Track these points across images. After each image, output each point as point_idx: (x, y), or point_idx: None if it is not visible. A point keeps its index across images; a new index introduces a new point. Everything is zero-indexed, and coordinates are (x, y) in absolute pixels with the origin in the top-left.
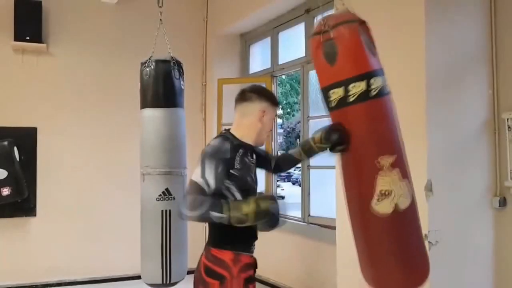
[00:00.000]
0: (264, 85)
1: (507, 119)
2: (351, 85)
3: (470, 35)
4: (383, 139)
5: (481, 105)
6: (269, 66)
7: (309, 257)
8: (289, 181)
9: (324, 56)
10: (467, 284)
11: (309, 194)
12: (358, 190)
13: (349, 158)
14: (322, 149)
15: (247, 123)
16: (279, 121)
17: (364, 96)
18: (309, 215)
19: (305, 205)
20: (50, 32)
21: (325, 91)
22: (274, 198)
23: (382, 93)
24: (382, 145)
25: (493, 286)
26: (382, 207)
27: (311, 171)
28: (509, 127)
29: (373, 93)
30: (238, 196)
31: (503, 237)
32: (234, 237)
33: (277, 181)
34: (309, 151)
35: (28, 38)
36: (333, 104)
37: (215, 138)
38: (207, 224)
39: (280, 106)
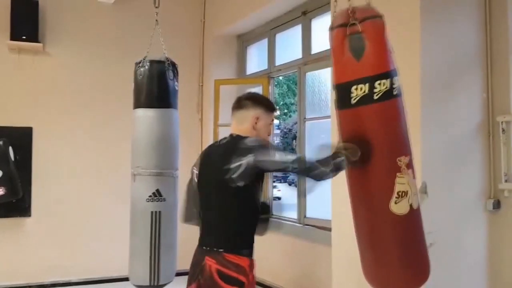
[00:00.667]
0: (261, 86)
1: (502, 122)
2: (377, 82)
3: (466, 38)
4: (401, 139)
5: (475, 108)
6: (266, 67)
7: (305, 258)
8: (285, 182)
9: (350, 50)
10: (461, 285)
11: (305, 195)
12: (375, 191)
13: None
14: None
15: (243, 130)
16: (276, 122)
17: (388, 94)
18: (305, 216)
19: (301, 206)
20: (47, 32)
21: (346, 86)
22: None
23: (400, 92)
24: (401, 145)
25: (487, 287)
26: (400, 208)
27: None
28: (503, 130)
29: (395, 92)
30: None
31: (497, 239)
32: (248, 243)
33: (273, 181)
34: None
35: (24, 37)
36: (353, 101)
37: (238, 138)
38: (198, 228)
39: (277, 112)
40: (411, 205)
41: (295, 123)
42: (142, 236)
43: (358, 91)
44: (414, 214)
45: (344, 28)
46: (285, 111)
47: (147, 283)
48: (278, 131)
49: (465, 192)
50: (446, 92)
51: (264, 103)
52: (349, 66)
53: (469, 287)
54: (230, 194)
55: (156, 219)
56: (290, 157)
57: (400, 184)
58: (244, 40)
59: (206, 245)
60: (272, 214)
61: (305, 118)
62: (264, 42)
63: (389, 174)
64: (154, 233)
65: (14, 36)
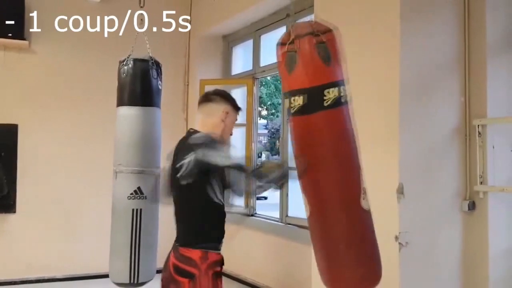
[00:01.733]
0: (245, 87)
1: (478, 125)
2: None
3: (444, 44)
4: (354, 140)
5: (453, 112)
6: (251, 68)
7: (287, 257)
8: None
9: (320, 57)
10: (435, 285)
11: (287, 195)
12: (346, 188)
13: (328, 160)
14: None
15: (211, 123)
16: (264, 121)
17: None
18: (287, 215)
19: (283, 205)
20: (33, 30)
21: (320, 89)
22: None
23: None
24: (356, 146)
25: (462, 286)
26: (366, 204)
27: (290, 172)
28: (479, 133)
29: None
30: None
31: (471, 239)
32: (203, 237)
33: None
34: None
35: (10, 35)
36: (325, 103)
37: (194, 133)
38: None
39: (241, 112)
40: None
41: None
42: (123, 234)
43: (330, 94)
44: (370, 212)
45: (310, 36)
46: (273, 111)
47: (127, 281)
48: (265, 131)
49: (441, 193)
50: (424, 96)
51: (232, 101)
52: (320, 71)
53: (443, 284)
54: (181, 191)
55: (137, 217)
56: (226, 161)
57: (364, 181)
58: (230, 41)
59: (175, 239)
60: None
61: (288, 119)
62: (249, 43)
63: (357, 172)
64: (135, 231)
65: (0, 34)
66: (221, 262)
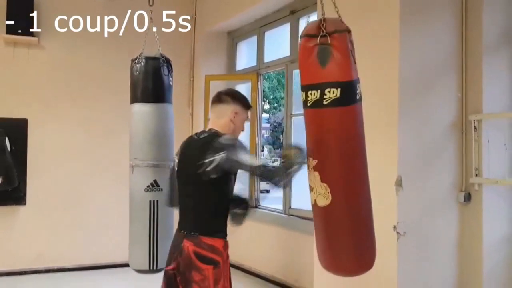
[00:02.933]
0: (250, 83)
1: (474, 120)
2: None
3: (443, 41)
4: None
5: (450, 107)
6: (255, 64)
7: (289, 248)
8: None
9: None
10: (432, 273)
11: (290, 187)
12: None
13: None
14: None
15: (222, 123)
16: (266, 115)
17: (319, 103)
18: (289, 207)
19: (286, 198)
20: (42, 26)
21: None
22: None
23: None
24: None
25: (456, 275)
26: (310, 198)
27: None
28: (475, 128)
29: (325, 102)
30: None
31: (467, 229)
32: (221, 227)
33: None
34: None
35: (19, 31)
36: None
37: (215, 134)
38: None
39: (251, 110)
40: (315, 201)
41: None
42: (141, 224)
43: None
44: (321, 211)
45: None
46: (275, 105)
47: (147, 268)
48: (267, 125)
49: (438, 185)
50: (423, 91)
51: (242, 100)
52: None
53: (439, 273)
54: (204, 184)
55: (154, 208)
56: (256, 161)
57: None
58: (234, 37)
59: (184, 229)
60: (248, 208)
61: (291, 114)
62: (254, 39)
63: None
64: (152, 221)
65: (10, 30)
66: None
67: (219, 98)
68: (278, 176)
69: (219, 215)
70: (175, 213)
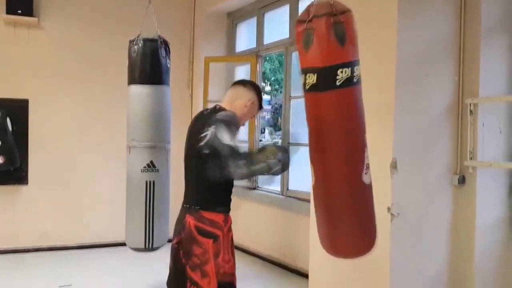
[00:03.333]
0: (249, 65)
1: (470, 104)
2: (355, 67)
3: (441, 26)
4: (363, 119)
5: (447, 91)
6: (255, 46)
7: (287, 228)
8: None
9: (335, 37)
10: (424, 253)
11: (288, 170)
12: (349, 164)
13: (336, 136)
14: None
15: (237, 105)
16: (267, 97)
17: (357, 80)
18: (287, 189)
19: (284, 179)
20: (42, 6)
21: (333, 69)
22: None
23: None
24: (364, 124)
25: (449, 256)
26: (367, 178)
27: (291, 147)
28: (471, 111)
29: (355, 80)
30: None
31: (460, 211)
32: (222, 202)
33: None
34: None
35: (19, 11)
36: (338, 83)
37: (218, 110)
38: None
39: (262, 109)
40: (371, 177)
41: None
42: (138, 204)
43: (343, 74)
44: (371, 186)
45: (328, 17)
46: (276, 87)
47: (142, 246)
48: (269, 107)
49: (433, 167)
50: (420, 75)
51: (259, 96)
52: (334, 51)
53: (432, 254)
54: (202, 160)
55: (150, 188)
56: (231, 143)
57: (367, 158)
58: (234, 18)
59: (186, 203)
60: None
61: (290, 96)
62: (253, 20)
63: (360, 149)
64: (149, 201)
65: (10, 11)
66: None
67: (242, 83)
68: (241, 167)
69: (220, 190)
70: (171, 193)
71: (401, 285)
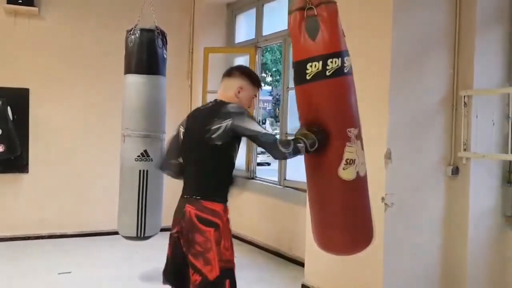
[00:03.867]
0: (248, 55)
1: (464, 96)
2: (329, 60)
3: (436, 17)
4: (351, 112)
5: (441, 83)
6: (254, 37)
7: (284, 218)
8: None
9: (306, 31)
10: (418, 243)
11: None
12: (325, 158)
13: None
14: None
15: (228, 96)
16: (268, 88)
17: (339, 72)
18: (284, 179)
19: (281, 169)
20: None
21: (302, 64)
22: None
23: (350, 71)
24: (350, 118)
25: (442, 245)
26: (347, 174)
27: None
28: (465, 103)
29: (345, 70)
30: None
31: (454, 202)
32: (222, 192)
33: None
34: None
35: (20, 1)
36: (308, 77)
37: (221, 103)
38: (182, 183)
39: (261, 88)
40: (357, 172)
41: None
42: (131, 192)
43: (312, 68)
44: (360, 181)
45: (302, 11)
46: (277, 77)
47: (134, 235)
48: (270, 98)
49: (427, 158)
50: (415, 66)
51: (250, 77)
52: (306, 46)
53: (425, 243)
54: (209, 151)
55: (144, 177)
56: (261, 129)
57: (349, 153)
58: (234, 9)
59: (187, 194)
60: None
61: (288, 87)
62: (253, 11)
63: (338, 144)
64: (142, 190)
65: (11, 0)
66: None
67: (229, 72)
68: (280, 148)
69: (221, 181)
70: (165, 183)
71: (395, 274)
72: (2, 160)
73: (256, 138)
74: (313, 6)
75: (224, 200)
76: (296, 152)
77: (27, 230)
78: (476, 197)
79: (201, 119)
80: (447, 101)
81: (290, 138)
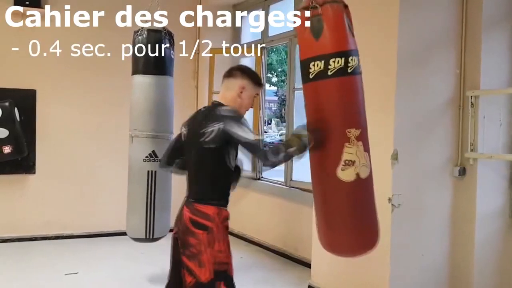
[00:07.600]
0: (254, 56)
1: (471, 96)
2: (331, 60)
3: (442, 17)
4: (352, 113)
5: (448, 83)
6: (260, 37)
7: (290, 218)
8: None
9: (310, 30)
10: (425, 244)
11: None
12: (324, 158)
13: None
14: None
15: (229, 97)
16: (274, 88)
17: (342, 71)
18: (291, 179)
19: (288, 170)
20: None
21: (306, 62)
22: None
23: (356, 71)
24: (351, 119)
25: (449, 246)
26: (346, 175)
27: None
28: (472, 104)
29: (349, 70)
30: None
31: (461, 202)
32: (217, 195)
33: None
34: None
35: (27, 2)
36: (311, 76)
37: (217, 105)
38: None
39: (262, 87)
40: (357, 174)
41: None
42: (139, 193)
43: (315, 67)
44: (361, 183)
45: (306, 10)
46: (283, 78)
47: (143, 236)
48: (275, 98)
49: (434, 159)
50: (421, 66)
51: (252, 76)
52: (309, 44)
53: (432, 244)
54: (204, 154)
55: (152, 178)
56: (251, 136)
57: (348, 153)
58: (240, 10)
59: (187, 196)
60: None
61: (294, 88)
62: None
63: (337, 144)
64: (150, 191)
65: (18, 2)
66: (228, 217)
67: (230, 73)
68: (268, 156)
69: (217, 184)
70: (173, 183)
71: (402, 274)
72: (10, 160)
73: (244, 145)
74: (317, 5)
75: (219, 203)
76: (287, 158)
77: (34, 231)
78: (483, 197)
79: (198, 121)
80: (454, 102)
81: (284, 138)
